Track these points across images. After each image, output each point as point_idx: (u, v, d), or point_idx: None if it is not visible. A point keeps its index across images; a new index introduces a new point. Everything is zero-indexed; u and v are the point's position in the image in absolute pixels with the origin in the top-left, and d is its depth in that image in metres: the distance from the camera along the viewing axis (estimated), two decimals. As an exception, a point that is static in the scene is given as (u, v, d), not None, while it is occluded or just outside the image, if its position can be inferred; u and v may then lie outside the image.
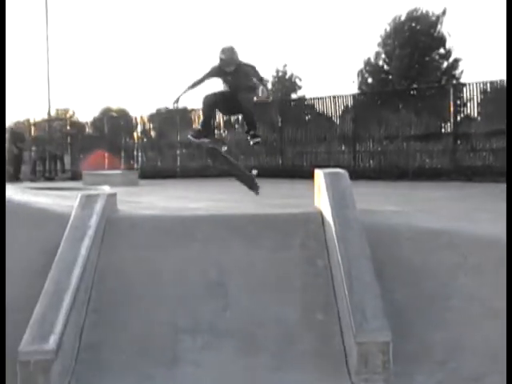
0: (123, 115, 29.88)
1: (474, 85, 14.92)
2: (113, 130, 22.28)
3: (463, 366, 4.14)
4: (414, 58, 27.49)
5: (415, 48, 27.58)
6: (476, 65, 48.61)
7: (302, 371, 4.23)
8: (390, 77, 28.43)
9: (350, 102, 17.39)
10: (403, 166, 15.41)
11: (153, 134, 21.82)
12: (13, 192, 10.55)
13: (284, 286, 4.89)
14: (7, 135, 19.07)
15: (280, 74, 38.28)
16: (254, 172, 7.65)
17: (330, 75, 60.50)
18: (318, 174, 6.11)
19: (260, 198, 7.64)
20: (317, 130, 17.57)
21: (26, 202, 7.45)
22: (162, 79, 71.47)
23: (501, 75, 18.58)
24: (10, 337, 4.18)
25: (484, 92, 14.86)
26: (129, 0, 72.48)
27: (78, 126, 24.91)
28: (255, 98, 7.53)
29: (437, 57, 28.77)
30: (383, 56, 29.43)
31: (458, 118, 15.14)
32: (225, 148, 7.82)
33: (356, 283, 4.44)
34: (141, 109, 26.77)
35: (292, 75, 38.28)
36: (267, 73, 36.51)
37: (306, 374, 4.21)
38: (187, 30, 72.97)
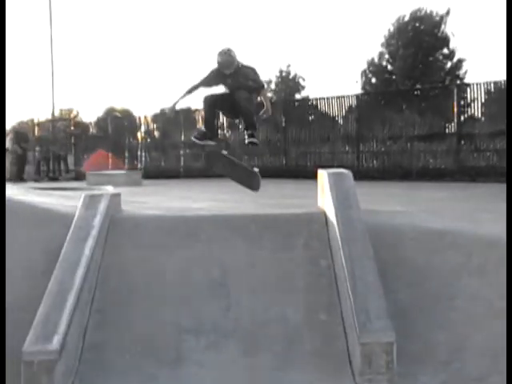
0: (127, 115, 29.89)
1: (478, 85, 14.90)
2: (117, 130, 22.30)
3: (467, 367, 4.14)
4: (417, 58, 27.44)
5: (419, 48, 27.53)
6: (480, 65, 48.59)
7: (305, 371, 4.23)
8: (394, 77, 28.39)
9: (353, 102, 17.38)
10: (407, 166, 15.38)
11: (156, 134, 21.84)
12: (17, 192, 10.59)
13: (287, 286, 4.89)
14: (11, 135, 19.10)
15: (284, 74, 38.32)
16: (256, 170, 7.58)
17: (334, 75, 60.47)
18: (322, 174, 6.11)
19: (263, 198, 7.63)
20: (320, 130, 17.56)
21: (29, 202, 7.48)
22: (166, 79, 71.58)
23: (505, 75, 18.53)
24: (14, 337, 4.18)
25: (488, 92, 14.84)
26: (132, 0, 72.53)
27: (81, 126, 24.95)
28: (261, 113, 7.45)
29: (440, 57, 28.71)
30: (387, 56, 29.39)
31: (462, 119, 15.11)
32: (225, 153, 7.71)
33: (359, 283, 4.44)
34: (145, 109, 26.79)
35: (296, 75, 38.32)
36: (271, 73, 36.56)
37: (309, 374, 4.20)
38: (191, 30, 73.02)
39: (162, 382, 4.19)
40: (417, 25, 28.48)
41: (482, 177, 13.61)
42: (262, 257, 5.16)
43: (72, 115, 40.76)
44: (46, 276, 4.66)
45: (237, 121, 14.48)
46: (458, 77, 28.07)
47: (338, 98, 17.35)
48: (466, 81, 26.00)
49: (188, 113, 19.78)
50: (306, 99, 25.46)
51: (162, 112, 21.29)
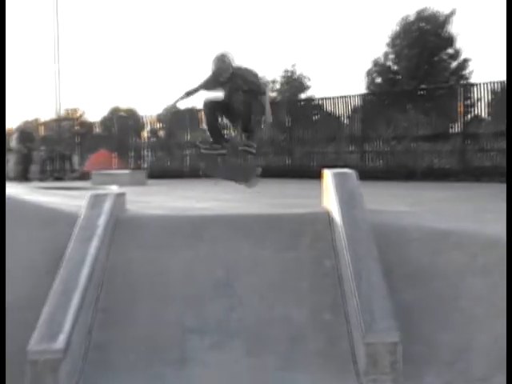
0: (132, 115, 29.95)
1: (483, 85, 14.87)
2: (122, 129, 22.35)
3: (471, 367, 4.13)
4: (422, 58, 27.37)
5: (424, 48, 27.45)
6: (486, 65, 48.42)
7: (309, 372, 4.22)
8: (399, 77, 28.32)
9: (358, 102, 17.37)
10: (411, 166, 15.36)
11: (161, 133, 21.86)
12: (22, 191, 10.62)
13: (291, 286, 4.89)
14: (17, 134, 19.16)
15: (288, 73, 38.25)
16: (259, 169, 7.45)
17: (339, 75, 60.36)
18: (326, 174, 6.11)
19: (267, 197, 7.63)
20: (325, 130, 17.57)
21: (34, 202, 7.50)
22: (171, 79, 71.62)
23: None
24: (19, 336, 4.19)
25: (493, 92, 14.81)
26: (138, 0, 72.60)
27: (86, 126, 25.01)
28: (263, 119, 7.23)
29: (445, 57, 28.64)
30: (392, 56, 29.32)
31: (467, 118, 15.09)
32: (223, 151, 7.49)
33: (364, 283, 4.43)
34: (150, 108, 26.82)
35: (301, 75, 38.24)
36: (276, 72, 36.50)
37: (313, 374, 4.20)
38: (196, 29, 73.08)
39: (167, 381, 4.19)
40: (422, 25, 28.41)
41: (487, 177, 13.59)
42: (265, 257, 5.16)
43: (77, 115, 40.89)
44: (50, 275, 4.68)
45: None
46: (463, 77, 27.99)
47: (343, 97, 17.37)
48: (472, 81, 25.96)
49: (193, 112, 19.80)
50: (310, 99, 25.40)
51: (162, 112, 21.31)
